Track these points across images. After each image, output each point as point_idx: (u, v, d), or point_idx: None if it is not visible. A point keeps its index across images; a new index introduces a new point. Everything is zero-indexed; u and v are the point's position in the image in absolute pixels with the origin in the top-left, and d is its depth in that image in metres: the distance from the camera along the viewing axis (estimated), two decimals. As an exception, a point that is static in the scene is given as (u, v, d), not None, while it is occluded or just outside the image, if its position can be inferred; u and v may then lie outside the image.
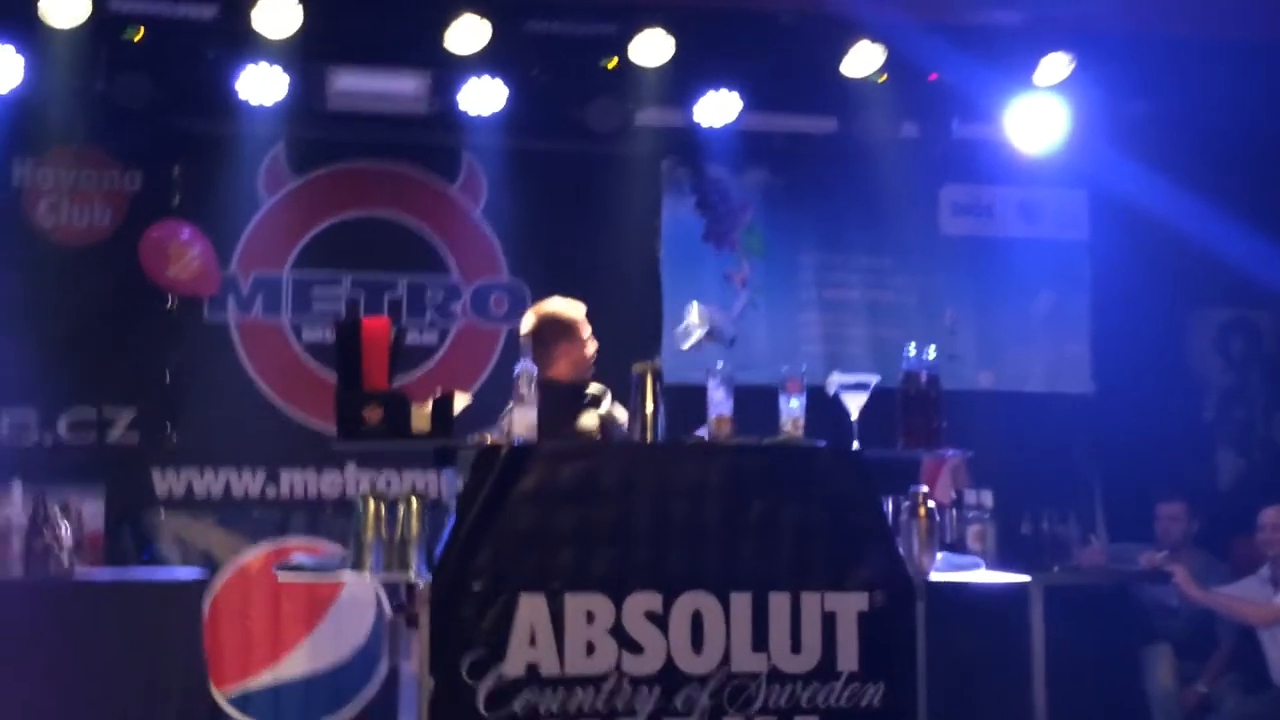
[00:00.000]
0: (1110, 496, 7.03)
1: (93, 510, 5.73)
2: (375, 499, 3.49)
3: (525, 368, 3.48)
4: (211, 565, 6.08)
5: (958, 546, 6.31)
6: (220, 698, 5.99)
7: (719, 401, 3.61)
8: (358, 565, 3.43)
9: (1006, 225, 7.07)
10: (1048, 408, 6.94)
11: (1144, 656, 6.24)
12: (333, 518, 6.22)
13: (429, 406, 3.45)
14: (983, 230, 7.06)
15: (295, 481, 6.28)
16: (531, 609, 3.26)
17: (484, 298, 6.58)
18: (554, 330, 4.70)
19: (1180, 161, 6.64)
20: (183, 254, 6.11)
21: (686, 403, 6.28)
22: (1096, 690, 6.05)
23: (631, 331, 6.63)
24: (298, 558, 3.56)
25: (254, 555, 6.16)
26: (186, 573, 5.65)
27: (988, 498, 6.32)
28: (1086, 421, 7.00)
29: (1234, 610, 5.93)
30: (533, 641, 3.25)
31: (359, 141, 6.47)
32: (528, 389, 3.43)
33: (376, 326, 3.41)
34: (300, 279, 6.40)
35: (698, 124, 6.43)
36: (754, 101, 6.39)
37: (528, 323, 4.79)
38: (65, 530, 5.43)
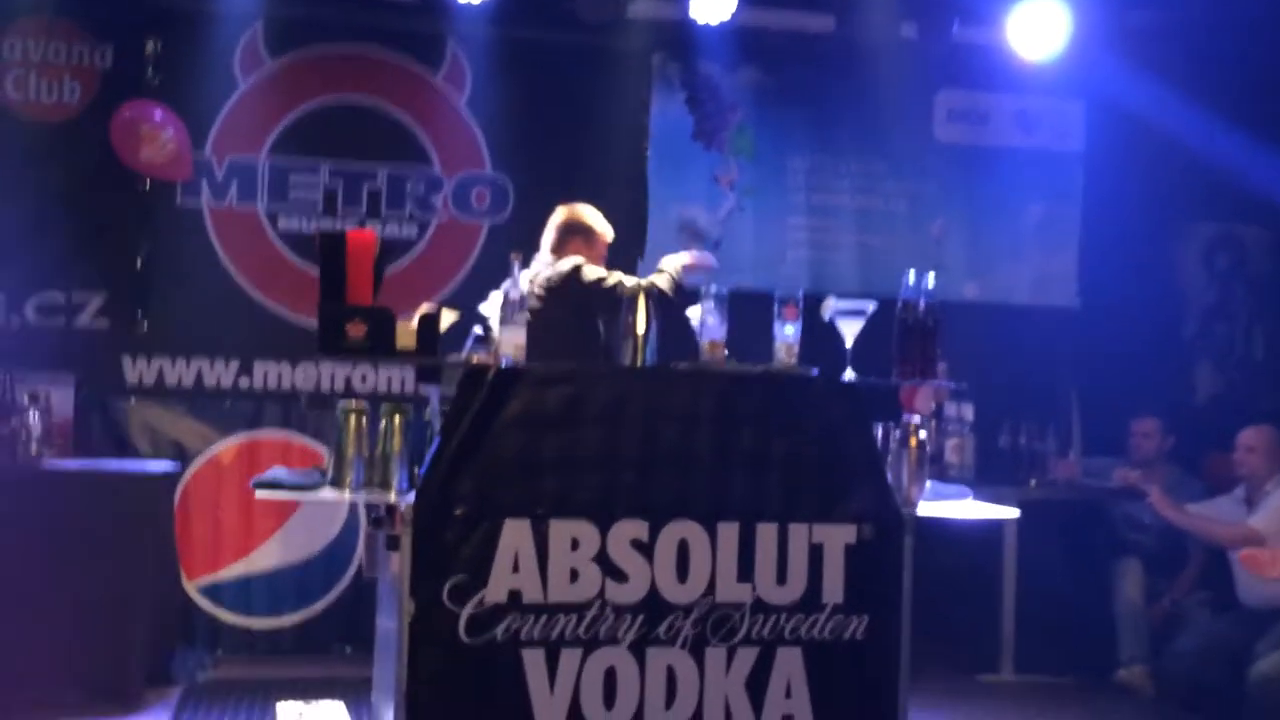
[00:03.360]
0: (1088, 410, 7.04)
1: (61, 398, 5.62)
2: (356, 414, 3.40)
3: (514, 285, 3.37)
4: (182, 456, 6.01)
5: (936, 460, 6.36)
6: (191, 588, 5.97)
7: (712, 326, 3.52)
8: (338, 482, 3.36)
9: (1002, 134, 6.95)
10: (1032, 320, 6.91)
11: (1113, 570, 6.30)
12: (306, 411, 6.16)
13: (415, 322, 3.35)
14: (977, 139, 6.94)
15: (269, 373, 6.18)
16: (515, 535, 3.19)
17: (466, 191, 6.42)
18: (579, 229, 4.93)
19: (1180, 73, 6.52)
20: (156, 136, 5.91)
21: (670, 302, 6.30)
22: (1064, 602, 6.12)
23: (616, 230, 6.51)
24: (276, 473, 3.46)
25: (226, 447, 6.08)
26: (158, 465, 5.59)
27: (968, 411, 6.28)
28: (1069, 335, 6.98)
29: (1206, 531, 5.95)
30: (516, 568, 3.19)
31: (340, 23, 6.25)
32: (517, 310, 3.33)
33: (362, 239, 3.29)
34: (277, 165, 6.22)
35: (692, 19, 6.26)
36: (750, -4, 6.22)
37: (558, 215, 4.99)
38: (34, 418, 5.34)
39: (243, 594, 6.04)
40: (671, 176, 6.61)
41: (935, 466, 6.27)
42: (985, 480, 6.26)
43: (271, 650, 6.03)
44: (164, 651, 5.43)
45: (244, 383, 6.15)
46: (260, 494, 3.29)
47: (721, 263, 6.63)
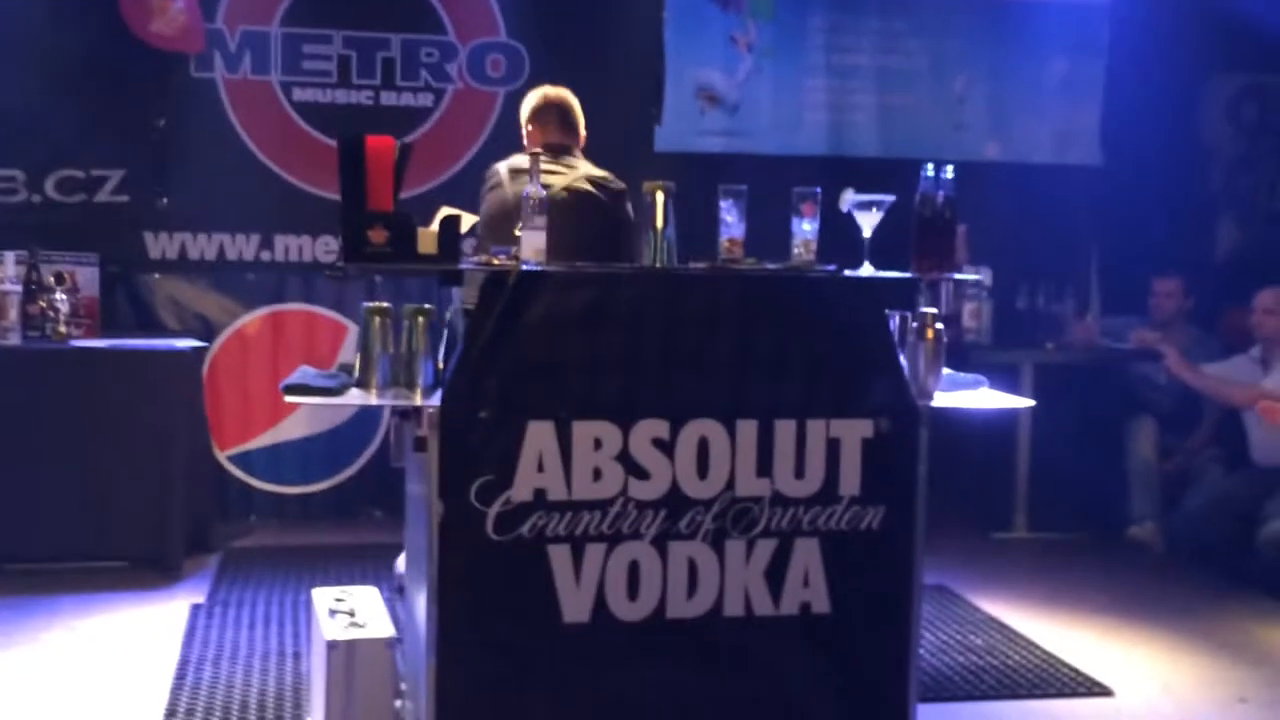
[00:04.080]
0: (1108, 269, 7.04)
1: (88, 277, 5.69)
2: (380, 315, 3.45)
3: (534, 189, 3.38)
4: (208, 329, 6.10)
5: (954, 322, 6.39)
6: (221, 457, 6.12)
7: (731, 224, 3.52)
8: (364, 384, 3.43)
9: (1025, -13, 6.81)
10: (1053, 179, 6.86)
11: (1127, 429, 6.38)
12: (327, 282, 6.21)
13: (435, 226, 3.37)
14: (1001, -8, 6.80)
15: (289, 245, 6.22)
16: (539, 436, 3.26)
17: (480, 59, 6.35)
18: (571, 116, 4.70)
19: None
20: (165, 6, 5.86)
21: (688, 169, 6.28)
22: (1078, 461, 6.23)
23: (633, 95, 6.46)
24: (304, 375, 3.53)
25: (250, 320, 6.17)
26: (184, 342, 5.68)
27: (986, 275, 6.29)
28: (1090, 194, 6.94)
29: (1221, 392, 6.03)
30: (540, 467, 3.26)
31: (353, -113, 6.12)
32: (536, 211, 3.34)
33: (381, 145, 3.28)
34: (290, 35, 6.15)
35: (710, -125, 6.10)
36: None
37: (548, 97, 4.69)
38: (61, 297, 5.42)
39: (274, 462, 6.21)
40: (688, 40, 6.52)
41: (953, 329, 6.37)
42: (1002, 344, 6.34)
43: (304, 515, 6.22)
44: (201, 520, 5.59)
45: (265, 256, 6.19)
46: (289, 398, 3.36)
47: (740, 127, 6.64)
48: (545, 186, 3.58)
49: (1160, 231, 6.87)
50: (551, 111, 4.65)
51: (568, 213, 4.11)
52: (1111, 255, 6.97)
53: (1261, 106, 7.38)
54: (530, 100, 4.69)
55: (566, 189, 4.37)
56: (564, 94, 4.67)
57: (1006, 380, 6.07)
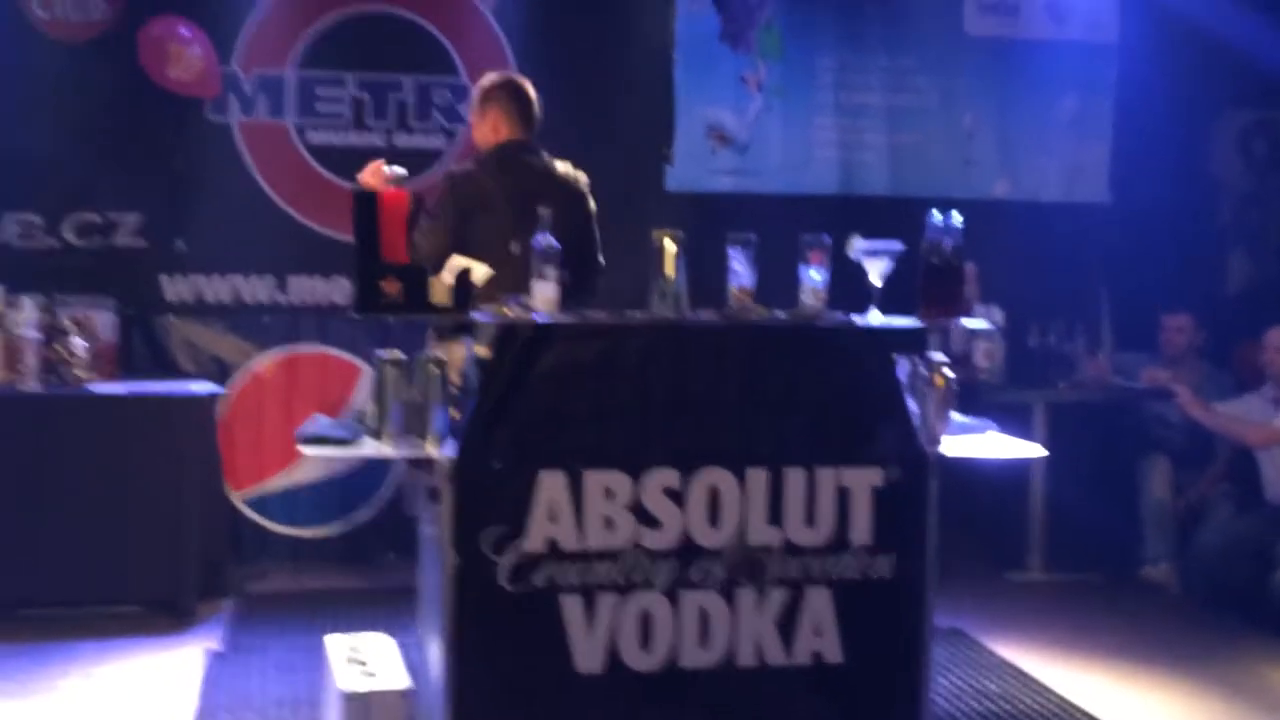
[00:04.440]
0: (1119, 306, 7.04)
1: (105, 321, 5.72)
2: (394, 366, 3.49)
3: (547, 241, 3.41)
4: (223, 371, 6.14)
5: (965, 361, 6.40)
6: (236, 499, 6.14)
7: (740, 273, 3.56)
8: (378, 433, 3.46)
9: (1033, 26, 6.83)
10: (1062, 218, 6.88)
11: (1141, 468, 6.38)
12: (342, 323, 6.24)
13: (449, 277, 3.41)
14: (1008, 30, 6.83)
15: (304, 287, 6.25)
16: (552, 486, 3.29)
17: (493, 100, 6.39)
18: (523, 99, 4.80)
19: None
20: (182, 53, 5.92)
21: (700, 208, 6.33)
22: (1092, 500, 6.23)
23: (643, 134, 6.51)
24: (319, 425, 3.56)
25: (265, 361, 6.20)
26: (200, 386, 5.72)
27: (997, 314, 6.30)
28: (1100, 231, 6.95)
29: (1234, 431, 6.02)
30: (553, 518, 3.30)
31: (362, -70, 6.19)
32: (548, 261, 3.38)
33: (395, 198, 3.33)
34: (304, 78, 6.20)
35: (718, -83, 6.16)
36: (778, -111, 6.11)
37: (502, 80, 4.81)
38: (78, 341, 5.46)
39: (289, 504, 6.22)
40: (698, 79, 6.55)
41: (965, 370, 6.37)
42: (1015, 383, 6.34)
43: (319, 558, 6.22)
44: (215, 564, 5.61)
45: (280, 298, 6.23)
46: (306, 450, 3.39)
47: (750, 166, 6.67)
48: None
49: (1171, 267, 6.87)
50: (525, 103, 4.73)
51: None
52: (1123, 292, 6.98)
53: (1271, 141, 7.39)
54: (499, 87, 4.73)
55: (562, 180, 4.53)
56: (526, 83, 4.79)
57: (1019, 420, 6.09)
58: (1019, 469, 6.28)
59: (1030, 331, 6.56)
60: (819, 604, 3.43)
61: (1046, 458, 6.21)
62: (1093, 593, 6.09)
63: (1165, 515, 6.27)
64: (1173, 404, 6.23)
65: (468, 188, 4.44)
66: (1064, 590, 6.14)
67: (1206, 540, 5.98)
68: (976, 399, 6.10)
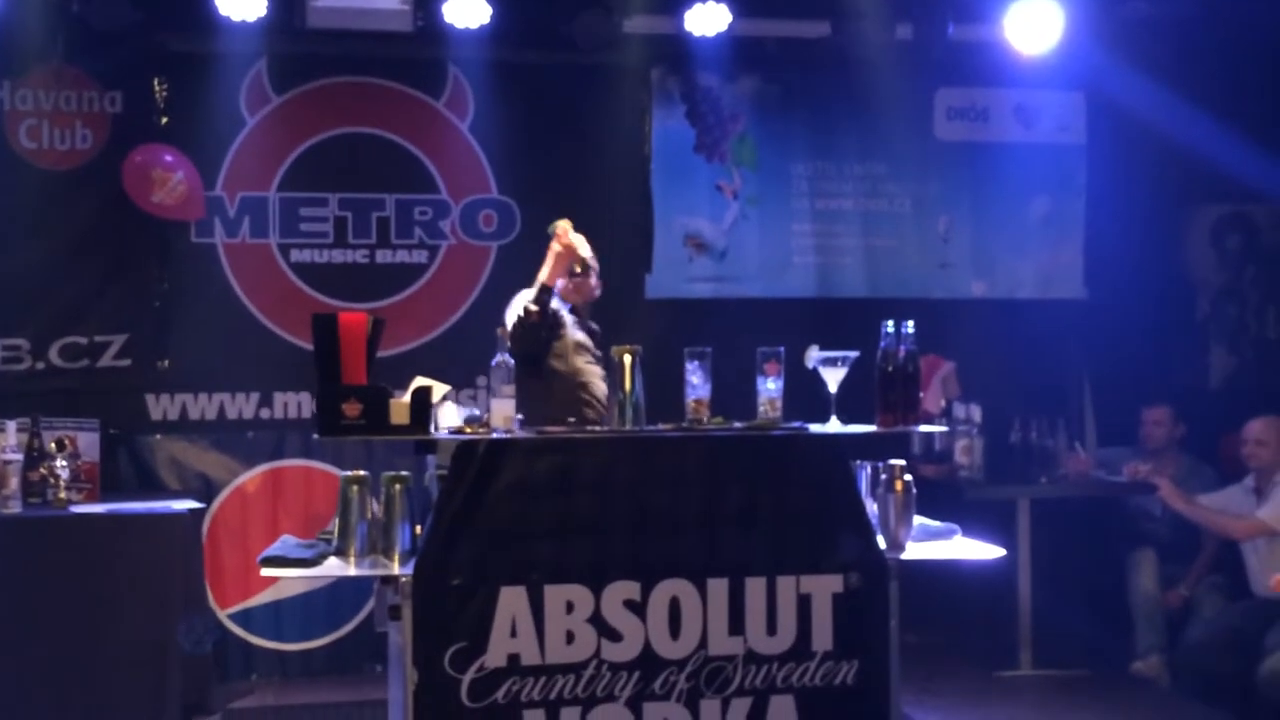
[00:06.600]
0: (1099, 400, 7.09)
1: (88, 441, 5.79)
2: (358, 484, 3.54)
3: (503, 359, 3.48)
4: (208, 487, 6.18)
5: (945, 459, 6.44)
6: (222, 615, 6.15)
7: (696, 385, 3.62)
8: (342, 552, 3.50)
9: (1002, 130, 6.99)
10: (1040, 314, 6.96)
11: (1128, 562, 6.37)
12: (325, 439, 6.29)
13: (408, 397, 3.47)
14: (978, 135, 6.98)
15: (289, 403, 6.33)
16: (512, 601, 3.33)
17: (473, 215, 6.53)
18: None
19: (1177, 63, 6.55)
20: (167, 179, 6.06)
21: (679, 314, 6.42)
22: (1080, 596, 6.21)
23: (622, 244, 6.62)
24: (284, 546, 3.60)
25: (250, 477, 6.25)
26: (183, 503, 5.75)
27: (976, 412, 6.35)
28: (1078, 328, 7.02)
29: (1216, 524, 6.02)
30: (514, 632, 3.32)
31: (342, 57, 6.36)
32: (505, 381, 3.44)
33: (353, 322, 3.41)
34: (287, 199, 6.34)
35: (688, 31, 6.31)
36: (745, 7, 6.28)
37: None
38: (61, 463, 5.52)
39: (274, 619, 6.23)
40: (675, 189, 6.70)
41: (945, 467, 6.41)
42: (995, 479, 6.37)
43: (305, 672, 6.22)
44: (199, 683, 5.59)
45: (265, 414, 6.30)
46: (265, 571, 3.43)
47: (728, 272, 6.78)
48: None
49: (1150, 361, 6.93)
50: None
51: None
52: (1103, 386, 7.03)
53: (1244, 234, 7.48)
54: None
55: None
56: None
57: (1002, 517, 6.12)
58: (1006, 564, 6.27)
59: (1011, 427, 6.59)
60: (783, 712, 3.44)
61: (1033, 553, 6.27)
62: (1083, 688, 6.04)
63: (1154, 608, 6.24)
64: (1156, 497, 6.24)
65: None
66: (1054, 686, 6.10)
67: (1195, 633, 5.96)
68: (959, 496, 6.15)
